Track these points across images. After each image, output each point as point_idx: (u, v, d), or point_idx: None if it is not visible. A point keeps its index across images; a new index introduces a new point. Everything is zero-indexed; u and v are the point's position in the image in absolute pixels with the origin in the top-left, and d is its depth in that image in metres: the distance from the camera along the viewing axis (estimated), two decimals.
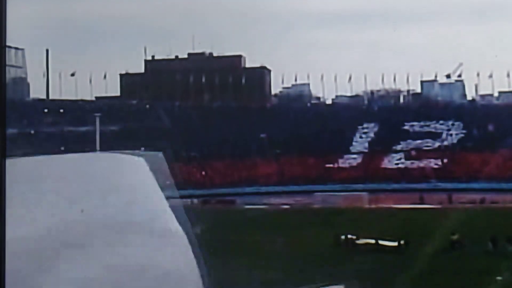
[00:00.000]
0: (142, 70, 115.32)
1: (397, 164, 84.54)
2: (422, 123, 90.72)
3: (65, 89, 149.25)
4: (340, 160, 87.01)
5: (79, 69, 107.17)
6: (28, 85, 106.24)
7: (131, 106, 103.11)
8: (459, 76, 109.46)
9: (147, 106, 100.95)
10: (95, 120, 79.39)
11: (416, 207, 67.23)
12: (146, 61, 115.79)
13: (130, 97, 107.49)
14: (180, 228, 5.23)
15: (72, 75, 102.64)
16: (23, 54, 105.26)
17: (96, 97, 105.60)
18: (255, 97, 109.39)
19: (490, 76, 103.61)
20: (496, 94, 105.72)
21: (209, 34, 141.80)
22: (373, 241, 45.34)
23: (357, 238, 46.02)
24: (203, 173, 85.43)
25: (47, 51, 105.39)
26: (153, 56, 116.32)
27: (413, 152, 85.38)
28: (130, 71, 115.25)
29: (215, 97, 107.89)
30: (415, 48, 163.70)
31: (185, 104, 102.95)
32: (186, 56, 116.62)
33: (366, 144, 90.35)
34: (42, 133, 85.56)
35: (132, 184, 5.05)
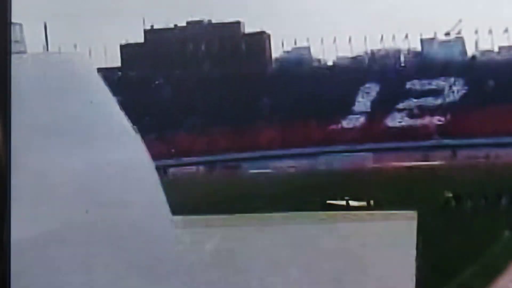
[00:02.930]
0: (142, 40, 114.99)
1: (400, 122, 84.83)
2: (423, 81, 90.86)
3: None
4: (343, 121, 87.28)
5: (78, 41, 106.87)
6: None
7: (132, 77, 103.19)
8: (458, 33, 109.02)
9: (149, 76, 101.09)
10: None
11: (421, 164, 67.72)
12: (145, 31, 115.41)
13: (131, 68, 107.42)
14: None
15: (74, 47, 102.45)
16: (21, 29, 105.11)
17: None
18: (256, 63, 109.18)
19: (490, 32, 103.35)
20: (496, 50, 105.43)
21: (207, 1, 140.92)
22: (343, 202, 45.55)
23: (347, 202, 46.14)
24: (206, 139, 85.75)
25: (45, 24, 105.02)
26: (152, 26, 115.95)
27: (416, 110, 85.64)
28: (130, 42, 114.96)
29: (216, 64, 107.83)
30: (413, 7, 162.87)
31: (186, 73, 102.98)
32: (184, 24, 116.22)
33: (369, 104, 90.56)
34: None
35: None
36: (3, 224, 3.33)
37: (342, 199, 46.05)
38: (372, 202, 45.50)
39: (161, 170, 74.87)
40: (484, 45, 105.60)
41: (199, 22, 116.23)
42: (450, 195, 46.04)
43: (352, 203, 45.37)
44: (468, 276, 30.92)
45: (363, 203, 45.28)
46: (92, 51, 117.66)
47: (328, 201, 45.25)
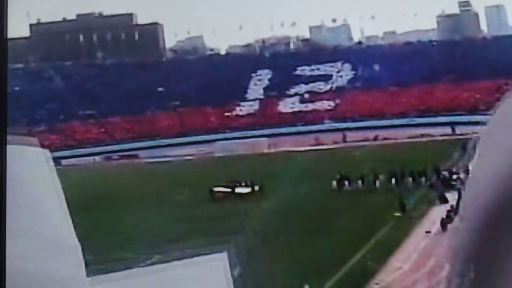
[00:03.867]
0: (27, 34, 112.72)
1: (292, 108, 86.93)
2: (312, 67, 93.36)
3: None
4: (238, 108, 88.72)
5: None
6: None
7: (18, 70, 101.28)
8: (344, 20, 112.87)
9: (36, 69, 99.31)
10: None
11: (313, 148, 69.60)
12: (31, 25, 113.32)
13: (16, 61, 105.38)
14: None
15: None
16: None
17: None
18: (150, 53, 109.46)
19: (373, 17, 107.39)
20: (381, 35, 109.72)
21: None
22: (228, 189, 46.80)
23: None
24: (102, 130, 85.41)
25: None
26: (38, 19, 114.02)
27: (307, 95, 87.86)
28: (14, 36, 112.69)
29: (109, 55, 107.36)
30: None
31: (77, 64, 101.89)
32: (74, 17, 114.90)
33: (261, 91, 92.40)
34: None
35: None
36: None
37: (230, 186, 47.09)
38: (257, 188, 46.82)
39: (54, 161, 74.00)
40: (369, 32, 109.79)
41: (90, 15, 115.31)
42: (339, 177, 47.49)
43: (238, 189, 46.61)
44: (361, 257, 32.44)
45: (248, 190, 46.58)
46: None
47: (215, 188, 46.27)
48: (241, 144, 72.84)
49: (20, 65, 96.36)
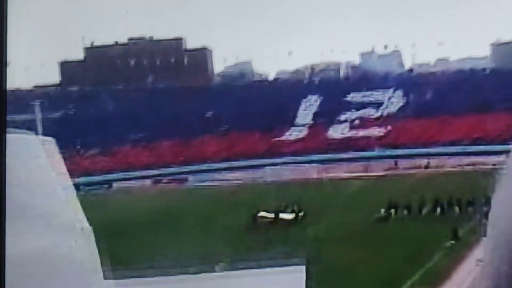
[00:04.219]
0: (82, 58, 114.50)
1: (342, 134, 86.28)
2: (363, 93, 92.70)
3: None
4: (287, 133, 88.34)
5: (14, 58, 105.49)
6: None
7: (72, 93, 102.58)
8: (396, 46, 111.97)
9: (89, 92, 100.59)
10: (34, 108, 78.95)
11: (362, 175, 68.82)
12: (85, 49, 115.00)
13: (70, 84, 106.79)
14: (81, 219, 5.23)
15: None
16: None
17: (35, 86, 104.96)
18: (198, 77, 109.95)
19: (425, 44, 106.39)
20: (433, 62, 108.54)
21: (148, 18, 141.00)
22: (272, 215, 46.19)
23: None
24: (152, 153, 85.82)
25: None
26: (92, 43, 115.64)
27: (357, 122, 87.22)
28: (69, 59, 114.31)
29: (159, 79, 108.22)
30: (352, 22, 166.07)
31: (127, 88, 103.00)
32: (126, 41, 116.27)
33: (311, 116, 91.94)
34: None
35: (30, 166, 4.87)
36: None
37: (274, 212, 46.64)
38: (301, 214, 46.22)
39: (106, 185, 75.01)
40: (421, 59, 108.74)
41: (141, 39, 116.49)
42: (388, 205, 46.54)
43: (282, 215, 46.12)
44: (410, 286, 31.59)
45: (292, 216, 46.07)
46: (29, 68, 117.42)
47: (259, 213, 45.91)
48: (290, 170, 72.47)
49: (75, 88, 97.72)
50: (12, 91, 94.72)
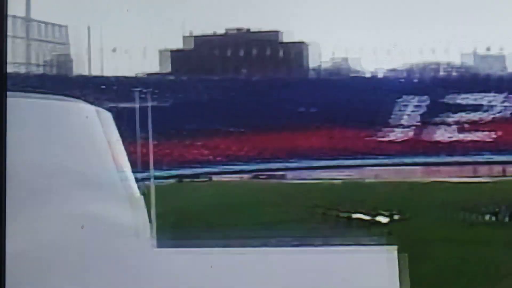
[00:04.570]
0: (181, 46, 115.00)
1: (450, 137, 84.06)
2: (475, 96, 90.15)
3: (106, 65, 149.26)
4: (390, 134, 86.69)
5: (118, 45, 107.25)
6: (71, 61, 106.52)
7: (170, 82, 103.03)
8: (501, 48, 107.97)
9: (187, 81, 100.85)
10: (135, 96, 79.56)
11: (468, 180, 66.85)
12: (184, 37, 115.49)
13: (168, 73, 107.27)
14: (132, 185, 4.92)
15: (113, 51, 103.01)
16: (67, 31, 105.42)
17: (136, 74, 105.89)
18: (293, 71, 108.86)
19: None
20: None
21: (247, 10, 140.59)
22: (367, 217, 45.11)
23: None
24: (248, 147, 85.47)
25: (88, 28, 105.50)
26: (191, 32, 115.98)
27: (466, 125, 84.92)
28: (168, 47, 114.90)
29: (253, 72, 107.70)
30: (453, 22, 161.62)
31: (223, 79, 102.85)
32: (223, 31, 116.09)
33: (418, 117, 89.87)
34: None
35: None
36: None
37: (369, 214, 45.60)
38: (396, 217, 44.93)
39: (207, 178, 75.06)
40: None
41: (238, 30, 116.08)
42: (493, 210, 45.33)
43: (377, 218, 44.96)
44: None
45: (387, 219, 44.86)
46: (131, 55, 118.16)
47: (353, 215, 45.03)
48: (391, 171, 71.01)
49: (172, 77, 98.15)
50: (117, 77, 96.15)
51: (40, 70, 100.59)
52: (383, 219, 45.37)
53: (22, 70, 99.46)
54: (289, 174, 74.39)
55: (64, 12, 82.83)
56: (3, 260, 2.73)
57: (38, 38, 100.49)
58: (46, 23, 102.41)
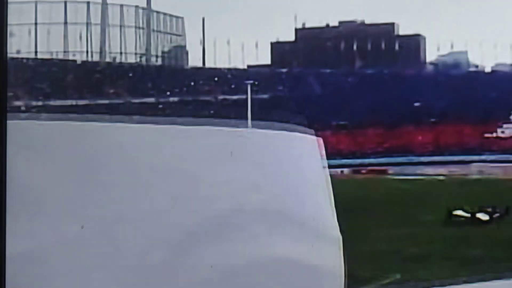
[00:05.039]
0: (293, 39, 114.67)
1: None
2: None
3: (219, 57, 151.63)
4: (499, 130, 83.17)
5: (231, 37, 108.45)
6: (187, 53, 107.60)
7: (281, 74, 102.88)
8: None
9: (298, 74, 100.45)
10: (247, 88, 79.92)
11: None
12: (296, 29, 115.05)
13: (280, 65, 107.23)
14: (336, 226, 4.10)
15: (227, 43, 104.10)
16: (183, 22, 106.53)
17: (248, 66, 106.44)
18: (409, 65, 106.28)
19: None
20: None
21: (361, 2, 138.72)
22: (468, 214, 43.02)
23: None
24: (354, 141, 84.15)
25: (203, 19, 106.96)
26: (303, 24, 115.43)
27: None
28: (281, 40, 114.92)
29: (367, 65, 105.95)
30: None
31: (336, 72, 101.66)
32: (337, 24, 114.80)
33: None
34: (198, 101, 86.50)
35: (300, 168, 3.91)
36: None
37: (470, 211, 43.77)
38: (496, 215, 42.96)
39: None
40: None
41: (352, 22, 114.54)
42: None
43: (478, 215, 43.09)
44: None
45: (487, 217, 42.97)
46: (244, 48, 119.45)
47: (454, 212, 43.36)
48: (500, 168, 67.86)
49: (284, 70, 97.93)
50: (229, 69, 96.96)
51: (159, 61, 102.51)
52: (484, 217, 43.62)
53: (143, 61, 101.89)
54: (391, 169, 72.43)
55: (180, 3, 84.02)
56: (3, 260, 2.49)
57: (157, 29, 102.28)
58: (164, 14, 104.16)
